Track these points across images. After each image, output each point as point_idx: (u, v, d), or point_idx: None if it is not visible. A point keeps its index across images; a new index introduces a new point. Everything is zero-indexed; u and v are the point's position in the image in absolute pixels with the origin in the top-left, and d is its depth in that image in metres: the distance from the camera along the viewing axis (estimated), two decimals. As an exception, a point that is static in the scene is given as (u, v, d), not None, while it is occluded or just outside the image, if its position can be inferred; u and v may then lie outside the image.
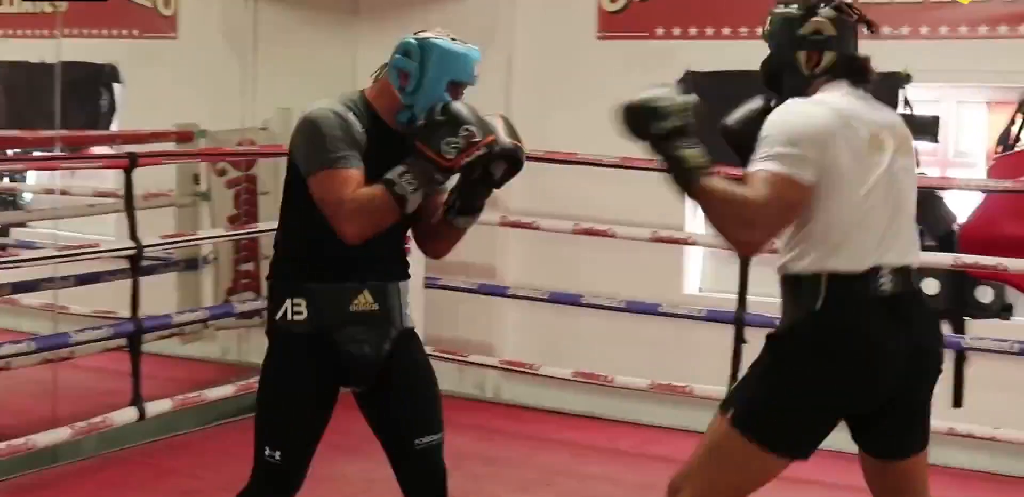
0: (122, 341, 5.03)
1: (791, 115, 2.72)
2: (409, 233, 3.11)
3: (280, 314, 2.96)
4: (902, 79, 5.22)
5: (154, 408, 4.99)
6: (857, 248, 2.71)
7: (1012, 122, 5.28)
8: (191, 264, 6.34)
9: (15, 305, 6.45)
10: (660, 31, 5.91)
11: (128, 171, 4.94)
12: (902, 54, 5.15)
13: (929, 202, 5.21)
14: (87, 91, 7.15)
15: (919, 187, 2.93)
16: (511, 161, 2.90)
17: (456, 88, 2.91)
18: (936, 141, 5.34)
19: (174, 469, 5.01)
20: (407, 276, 3.06)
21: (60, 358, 5.30)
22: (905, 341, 2.73)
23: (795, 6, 2.88)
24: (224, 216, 6.21)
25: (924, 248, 4.41)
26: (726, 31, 5.74)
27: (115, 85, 7.28)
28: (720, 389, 5.20)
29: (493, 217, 5.62)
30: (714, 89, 4.73)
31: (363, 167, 2.83)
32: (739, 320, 5.25)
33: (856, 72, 2.85)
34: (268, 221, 5.76)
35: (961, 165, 5.62)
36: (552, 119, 5.88)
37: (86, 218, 6.45)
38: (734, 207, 2.60)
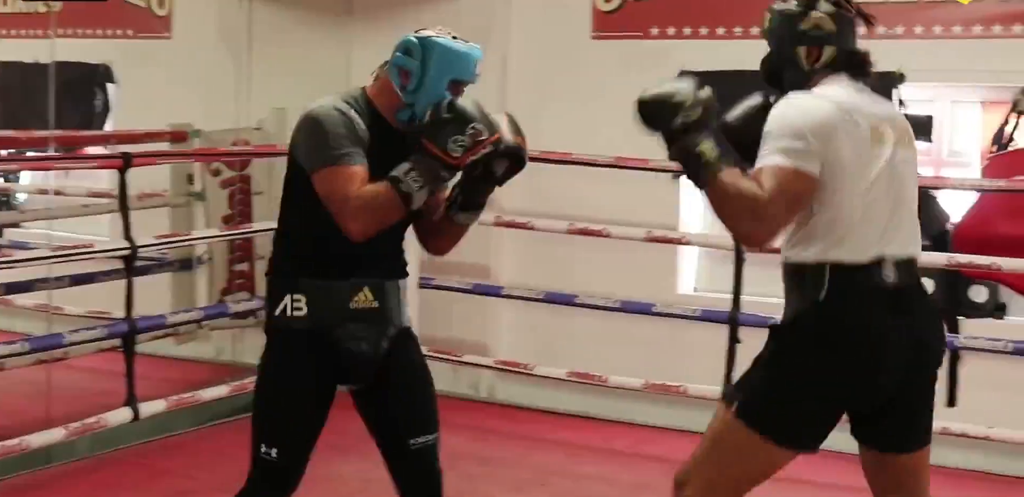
0: (116, 341, 5.03)
1: (793, 109, 2.74)
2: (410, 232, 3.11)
3: (279, 310, 2.95)
4: (896, 79, 5.22)
5: (148, 408, 4.98)
6: (860, 240, 2.73)
7: (1006, 122, 5.29)
8: (185, 264, 6.33)
9: (9, 306, 6.45)
10: (655, 31, 5.91)
11: (122, 171, 4.93)
12: (897, 54, 5.14)
13: (923, 202, 5.18)
14: (81, 91, 7.14)
15: (915, 186, 2.94)
16: (514, 159, 2.90)
17: (457, 87, 2.90)
18: (930, 141, 5.35)
19: (168, 470, 5.00)
20: (406, 274, 3.06)
21: (54, 358, 5.30)
22: (907, 333, 2.74)
23: (794, 2, 2.90)
24: (218, 216, 6.20)
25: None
26: (720, 31, 5.75)
27: (109, 85, 7.27)
28: (714, 389, 5.21)
29: (488, 217, 5.62)
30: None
31: (367, 164, 2.83)
32: (733, 320, 5.25)
33: (856, 66, 2.87)
34: (262, 221, 5.76)
35: (955, 165, 5.62)
36: (547, 119, 5.88)
37: (80, 218, 6.44)
38: (743, 201, 2.62)
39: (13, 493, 4.65)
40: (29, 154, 6.39)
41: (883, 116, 2.83)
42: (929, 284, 5.28)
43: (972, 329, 5.21)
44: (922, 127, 5.22)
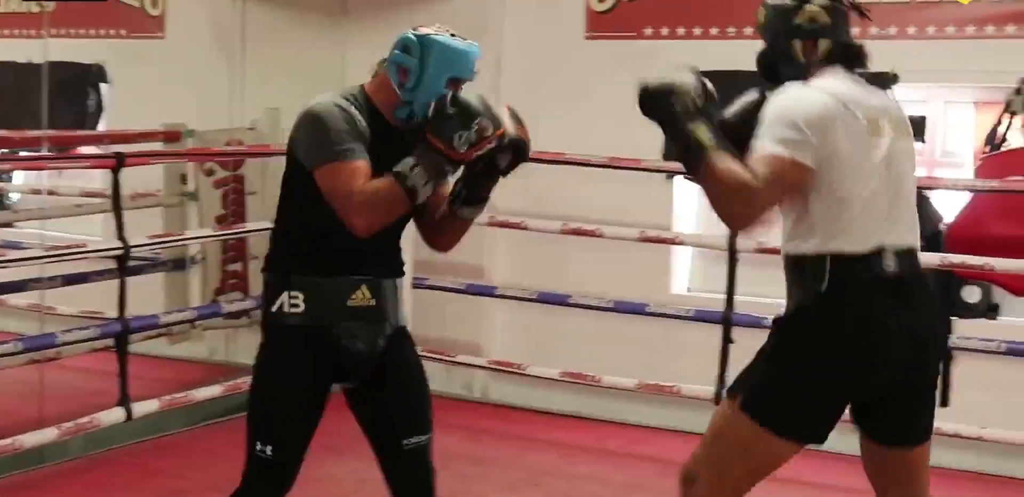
0: (109, 341, 5.01)
1: (791, 100, 2.76)
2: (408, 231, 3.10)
3: (276, 307, 2.94)
4: (889, 79, 5.21)
5: (141, 408, 4.98)
6: (860, 230, 2.74)
7: (999, 122, 5.29)
8: (179, 264, 6.33)
9: (1, 305, 6.43)
10: (648, 31, 5.92)
11: (115, 171, 4.92)
12: (889, 54, 5.06)
13: (916, 202, 5.21)
14: (74, 91, 7.14)
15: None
16: (517, 151, 2.90)
17: (455, 84, 2.89)
18: (923, 141, 5.35)
19: (161, 469, 4.99)
20: (403, 273, 3.06)
21: (47, 358, 5.28)
22: (907, 323, 2.75)
23: None
24: (212, 216, 6.19)
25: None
26: (714, 31, 5.75)
27: (102, 85, 7.27)
28: (708, 389, 5.22)
29: (481, 217, 5.58)
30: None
31: (369, 159, 2.82)
32: (727, 320, 5.25)
33: (852, 58, 2.89)
34: (256, 221, 5.75)
35: (948, 165, 5.63)
36: (540, 119, 5.81)
37: (73, 218, 6.42)
38: (736, 186, 2.63)
39: (6, 493, 4.64)
40: (22, 154, 6.38)
41: (880, 107, 2.85)
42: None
43: (965, 329, 5.20)
44: (915, 128, 5.22)
